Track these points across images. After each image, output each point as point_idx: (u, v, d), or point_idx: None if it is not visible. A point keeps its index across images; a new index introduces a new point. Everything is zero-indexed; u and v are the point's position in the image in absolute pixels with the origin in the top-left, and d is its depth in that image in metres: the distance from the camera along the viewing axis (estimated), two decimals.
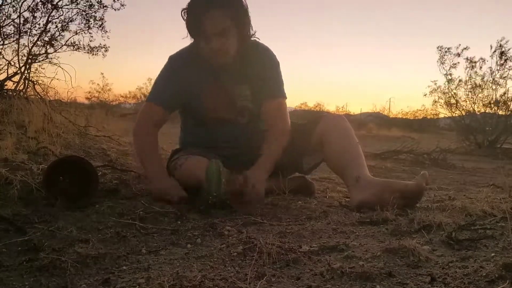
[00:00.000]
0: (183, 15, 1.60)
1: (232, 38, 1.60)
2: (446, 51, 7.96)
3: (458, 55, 7.91)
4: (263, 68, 1.74)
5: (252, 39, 1.71)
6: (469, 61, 7.89)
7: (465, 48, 7.88)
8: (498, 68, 7.63)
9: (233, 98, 1.75)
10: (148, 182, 1.70)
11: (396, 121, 17.51)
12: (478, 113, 8.07)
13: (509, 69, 7.58)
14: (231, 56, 1.64)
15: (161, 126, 1.76)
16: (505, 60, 7.50)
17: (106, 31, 4.28)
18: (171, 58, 1.75)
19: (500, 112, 7.87)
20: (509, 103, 7.72)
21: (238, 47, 1.63)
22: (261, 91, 1.74)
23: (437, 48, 8.03)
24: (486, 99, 7.92)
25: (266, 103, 1.74)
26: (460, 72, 10.54)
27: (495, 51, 7.57)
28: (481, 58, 7.86)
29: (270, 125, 1.73)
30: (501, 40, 7.54)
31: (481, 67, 7.85)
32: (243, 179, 1.47)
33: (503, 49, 7.50)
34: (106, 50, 4.48)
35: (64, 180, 1.41)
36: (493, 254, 0.90)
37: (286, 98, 1.81)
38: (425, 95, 8.82)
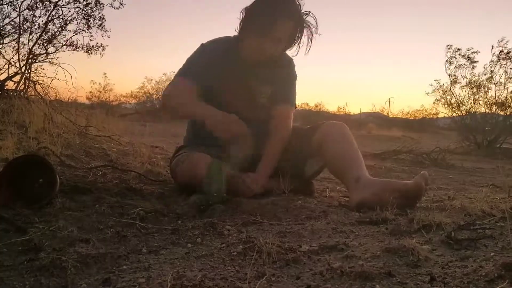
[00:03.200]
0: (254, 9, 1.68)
1: (281, 46, 1.72)
2: (455, 52, 7.94)
3: (468, 57, 7.90)
4: (287, 76, 1.86)
5: None
6: (469, 61, 7.91)
7: (475, 52, 7.88)
8: (505, 70, 7.63)
9: (254, 95, 1.82)
10: (206, 120, 1.59)
11: (396, 121, 17.55)
12: (478, 113, 8.07)
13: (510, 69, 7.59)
14: (270, 56, 1.74)
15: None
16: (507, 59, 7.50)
17: (106, 30, 4.30)
18: (203, 46, 1.82)
19: (500, 112, 7.88)
20: (509, 104, 7.73)
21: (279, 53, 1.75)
22: (277, 94, 1.84)
23: (446, 46, 8.03)
24: (487, 99, 7.93)
25: (276, 107, 1.83)
26: (461, 72, 10.55)
27: (498, 52, 7.57)
28: (491, 61, 7.85)
29: (275, 130, 1.80)
30: (501, 41, 7.55)
31: (484, 71, 7.85)
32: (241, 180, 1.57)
33: (502, 49, 7.52)
34: (103, 49, 4.51)
35: (22, 180, 1.36)
36: (492, 254, 0.90)
37: (295, 107, 1.91)
38: (427, 93, 8.84)
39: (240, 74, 1.78)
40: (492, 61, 7.72)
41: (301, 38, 1.72)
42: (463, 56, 7.90)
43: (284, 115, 1.83)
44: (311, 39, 1.71)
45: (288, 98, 1.87)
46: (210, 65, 1.76)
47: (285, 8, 1.65)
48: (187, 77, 1.75)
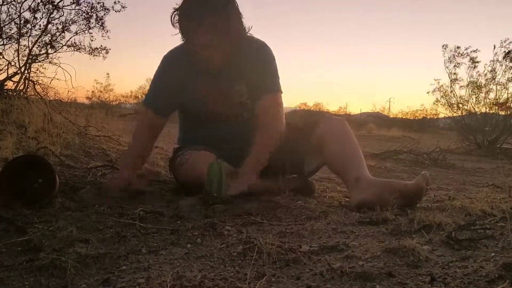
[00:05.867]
0: (172, 20, 1.60)
1: (220, 48, 1.60)
2: (456, 51, 7.89)
3: (466, 55, 7.87)
4: (258, 63, 1.72)
5: (247, 35, 1.70)
6: (471, 60, 7.87)
7: (474, 51, 7.84)
8: (505, 69, 7.61)
9: (229, 96, 1.75)
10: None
11: (396, 121, 17.57)
12: (478, 113, 8.06)
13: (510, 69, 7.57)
14: (220, 62, 1.65)
15: (159, 128, 1.79)
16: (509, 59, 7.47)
17: (107, 31, 4.28)
18: (165, 58, 1.76)
19: (501, 113, 7.87)
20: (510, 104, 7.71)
21: (229, 51, 1.64)
22: (256, 86, 1.71)
23: (442, 46, 7.98)
24: (488, 99, 7.91)
25: (261, 98, 1.69)
26: (462, 72, 10.49)
27: (503, 53, 7.55)
28: (491, 61, 7.83)
29: (262, 123, 1.66)
30: (504, 41, 7.52)
31: (490, 70, 7.81)
32: None
33: (505, 50, 7.49)
34: (107, 52, 4.49)
35: (22, 179, 1.36)
36: (493, 254, 0.90)
37: (281, 92, 1.75)
38: (428, 92, 8.80)
39: (208, 77, 1.71)
40: (492, 60, 7.71)
41: (235, 26, 1.60)
42: (461, 54, 7.86)
43: (269, 104, 1.68)
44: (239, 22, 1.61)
45: (268, 86, 1.70)
46: (174, 79, 1.72)
47: (195, 14, 1.54)
48: (149, 107, 1.76)
